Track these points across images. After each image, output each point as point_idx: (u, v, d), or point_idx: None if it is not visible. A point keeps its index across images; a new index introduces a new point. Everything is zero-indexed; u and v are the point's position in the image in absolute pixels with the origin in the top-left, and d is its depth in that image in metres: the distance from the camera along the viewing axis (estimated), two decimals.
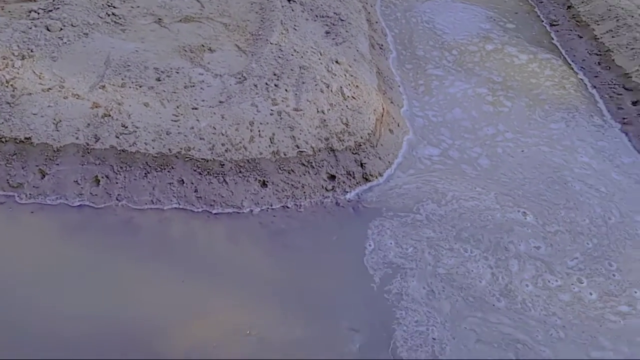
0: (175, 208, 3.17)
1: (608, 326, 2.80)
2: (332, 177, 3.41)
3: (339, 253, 3.08)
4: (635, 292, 2.98)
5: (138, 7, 4.41)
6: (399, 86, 4.40)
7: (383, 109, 3.81)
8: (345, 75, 3.84)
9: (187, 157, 3.27)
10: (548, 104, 4.28)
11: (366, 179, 3.48)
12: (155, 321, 2.64)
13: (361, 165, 3.48)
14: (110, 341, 2.53)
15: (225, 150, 3.30)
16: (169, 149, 3.28)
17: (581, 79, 4.63)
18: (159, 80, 3.62)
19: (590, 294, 2.94)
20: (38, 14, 4.04)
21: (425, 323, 2.72)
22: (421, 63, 4.76)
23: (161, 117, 3.40)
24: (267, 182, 3.30)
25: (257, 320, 2.71)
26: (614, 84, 4.48)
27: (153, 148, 3.28)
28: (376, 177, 3.51)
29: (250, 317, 2.73)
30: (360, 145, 3.52)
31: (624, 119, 4.19)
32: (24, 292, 2.70)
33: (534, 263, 3.09)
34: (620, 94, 4.39)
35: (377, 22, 5.15)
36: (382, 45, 4.78)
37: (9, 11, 4.09)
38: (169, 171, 3.25)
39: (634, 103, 4.27)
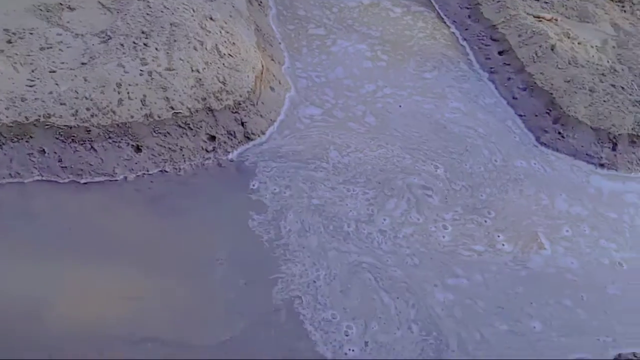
0: (38, 180, 2.92)
1: (460, 259, 3.00)
2: (212, 138, 3.30)
3: (222, 212, 3.02)
4: (499, 237, 3.20)
5: None
6: (280, 43, 4.33)
7: (262, 66, 3.73)
8: (220, 32, 3.69)
9: (47, 125, 3.00)
10: (420, 55, 4.43)
11: (248, 138, 3.41)
12: (27, 300, 2.45)
13: (242, 124, 3.40)
14: None
15: (91, 115, 3.07)
16: (26, 117, 2.98)
17: (453, 32, 4.83)
18: (10, 43, 3.26)
19: (444, 236, 3.12)
20: None
21: (307, 274, 2.77)
22: (303, 23, 4.70)
23: (14, 82, 3.07)
24: (142, 146, 3.13)
25: (138, 287, 2.60)
26: (482, 36, 4.73)
27: (7, 117, 2.97)
28: (258, 136, 3.46)
29: (132, 285, 2.61)
30: (240, 104, 3.43)
31: (491, 68, 4.45)
32: None
33: (413, 204, 3.23)
34: (488, 45, 4.65)
35: None
36: (260, 2, 4.65)
37: None
38: (27, 141, 2.97)
39: (500, 53, 4.54)
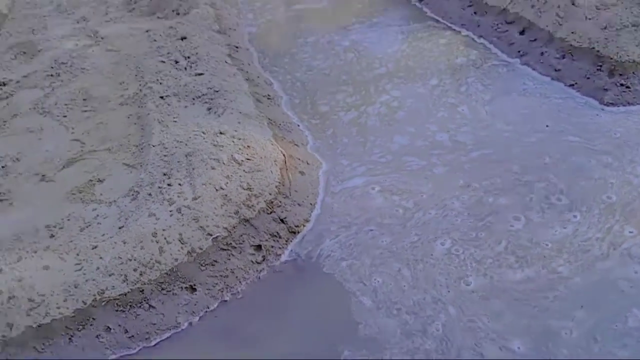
0: None
1: None
2: (258, 248, 3.16)
3: (297, 326, 2.80)
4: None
5: (20, 173, 4.25)
6: (299, 125, 4.24)
7: (284, 155, 3.62)
8: (232, 142, 3.66)
9: (103, 301, 3.00)
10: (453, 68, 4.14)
11: (293, 232, 3.24)
12: None
13: (282, 221, 3.25)
14: None
15: (140, 275, 3.05)
16: (83, 302, 3.00)
17: (466, 35, 4.51)
18: (53, 237, 3.39)
19: None
20: None
21: None
22: (313, 97, 4.62)
23: (64, 272, 3.14)
24: (195, 285, 3.04)
25: None
26: (497, 24, 4.37)
27: (67, 308, 3.00)
28: (303, 225, 3.28)
29: None
30: (273, 202, 3.29)
31: (518, 51, 4.05)
32: None
33: None
34: (506, 30, 4.28)
35: (258, 77, 5.05)
36: (269, 96, 4.65)
37: None
38: (91, 324, 2.96)
39: (521, 32, 4.15)
